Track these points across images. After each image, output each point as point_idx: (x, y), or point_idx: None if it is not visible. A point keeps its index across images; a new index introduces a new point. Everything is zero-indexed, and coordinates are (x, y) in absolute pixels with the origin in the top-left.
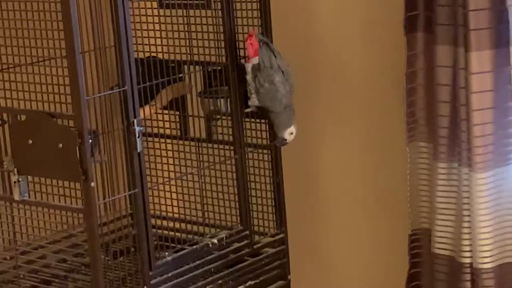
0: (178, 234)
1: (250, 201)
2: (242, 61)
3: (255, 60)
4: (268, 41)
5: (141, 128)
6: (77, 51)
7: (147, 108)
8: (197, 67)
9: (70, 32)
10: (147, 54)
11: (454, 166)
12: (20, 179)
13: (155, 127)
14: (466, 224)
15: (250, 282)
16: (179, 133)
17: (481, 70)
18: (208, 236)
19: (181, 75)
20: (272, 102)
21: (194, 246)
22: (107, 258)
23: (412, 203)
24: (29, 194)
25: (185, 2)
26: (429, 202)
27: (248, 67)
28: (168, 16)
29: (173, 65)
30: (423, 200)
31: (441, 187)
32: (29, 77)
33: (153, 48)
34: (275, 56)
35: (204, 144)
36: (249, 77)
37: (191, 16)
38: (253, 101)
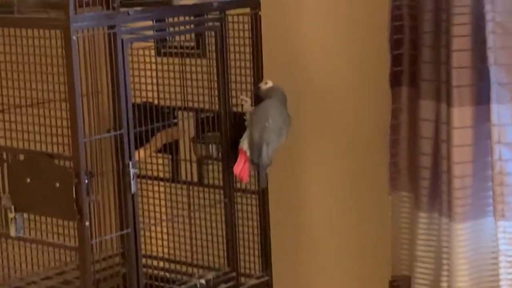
0: (167, 274)
1: (237, 244)
2: (234, 109)
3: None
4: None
5: (136, 170)
6: (77, 94)
7: (141, 151)
8: (190, 113)
9: (72, 76)
10: (143, 99)
11: (435, 216)
12: (16, 216)
13: (148, 169)
14: (445, 273)
15: None
16: (171, 176)
17: (463, 125)
18: (196, 276)
19: (175, 120)
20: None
21: (183, 286)
22: None
23: (393, 250)
24: (24, 231)
25: (182, 51)
26: (409, 249)
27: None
28: (165, 64)
29: (168, 110)
30: (404, 248)
31: (421, 235)
32: (28, 118)
33: (148, 94)
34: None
35: (195, 188)
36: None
37: (187, 65)
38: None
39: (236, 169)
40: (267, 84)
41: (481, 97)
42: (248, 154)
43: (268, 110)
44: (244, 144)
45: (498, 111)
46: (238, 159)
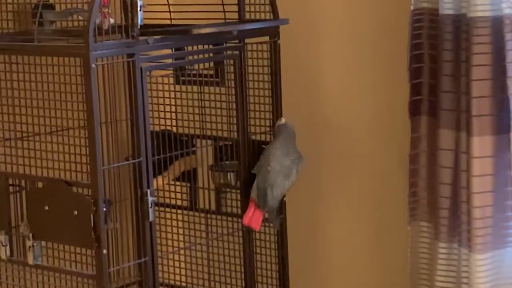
0: None
1: (255, 273)
2: (252, 137)
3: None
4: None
5: (154, 198)
6: (96, 122)
7: (159, 178)
8: (208, 141)
9: (91, 103)
10: (162, 127)
11: (454, 246)
12: (34, 244)
13: (166, 197)
14: None
15: None
16: (189, 204)
17: (482, 154)
18: None
19: (193, 148)
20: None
21: None
22: None
23: (412, 280)
24: (42, 259)
25: (201, 79)
26: (429, 280)
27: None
28: (183, 91)
29: (186, 138)
30: (423, 278)
31: (441, 266)
32: (47, 146)
33: (167, 122)
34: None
35: (213, 216)
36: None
37: (205, 93)
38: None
39: (245, 220)
40: (280, 121)
41: (501, 127)
42: (257, 201)
43: (269, 153)
44: (253, 193)
45: None
46: (248, 209)
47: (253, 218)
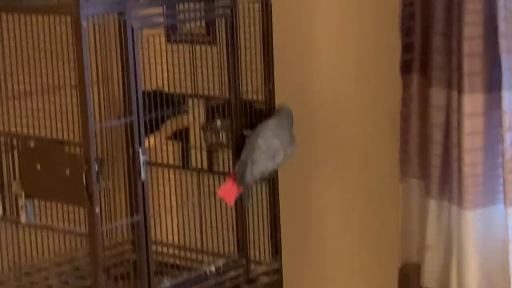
0: (177, 260)
1: (247, 231)
2: (244, 96)
3: None
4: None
5: (146, 157)
6: (87, 81)
7: (151, 138)
8: (200, 101)
9: (82, 62)
10: (153, 87)
11: (445, 203)
12: (27, 203)
13: (158, 156)
14: (454, 261)
15: None
16: (181, 163)
17: (474, 112)
18: (206, 263)
19: (185, 107)
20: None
21: (192, 273)
22: (108, 281)
23: (403, 238)
24: (34, 217)
25: (192, 38)
26: (419, 237)
27: None
28: (175, 51)
29: (178, 98)
30: (413, 235)
31: (431, 223)
32: (39, 105)
33: (159, 81)
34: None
35: (205, 175)
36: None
37: (197, 52)
38: None
39: (220, 191)
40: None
41: (493, 84)
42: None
43: (260, 131)
44: (236, 167)
45: (510, 98)
46: (226, 182)
47: (230, 192)
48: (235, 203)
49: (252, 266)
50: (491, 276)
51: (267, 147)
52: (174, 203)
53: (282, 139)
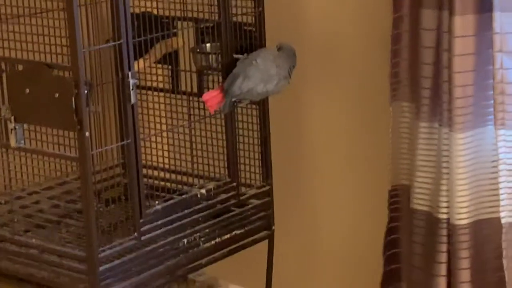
0: (168, 184)
1: (238, 154)
2: (234, 18)
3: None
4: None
5: (135, 81)
6: (75, 4)
7: (140, 61)
8: (190, 23)
9: None
10: (142, 9)
11: (435, 125)
12: (16, 127)
13: (148, 80)
14: (444, 182)
15: (236, 232)
16: (171, 87)
17: (464, 33)
18: (196, 186)
19: (174, 30)
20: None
21: (183, 196)
22: (99, 205)
23: (393, 160)
24: (24, 142)
25: None
26: (409, 159)
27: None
28: None
29: (167, 20)
30: (403, 158)
31: (421, 145)
32: (26, 28)
33: (147, 3)
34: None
35: (195, 98)
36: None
37: None
38: None
39: (205, 96)
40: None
41: (484, 5)
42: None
43: (262, 52)
44: (226, 80)
45: (501, 19)
46: (214, 89)
47: (213, 99)
48: (226, 125)
49: (243, 189)
50: (480, 197)
51: (264, 68)
52: (164, 126)
53: (280, 70)
